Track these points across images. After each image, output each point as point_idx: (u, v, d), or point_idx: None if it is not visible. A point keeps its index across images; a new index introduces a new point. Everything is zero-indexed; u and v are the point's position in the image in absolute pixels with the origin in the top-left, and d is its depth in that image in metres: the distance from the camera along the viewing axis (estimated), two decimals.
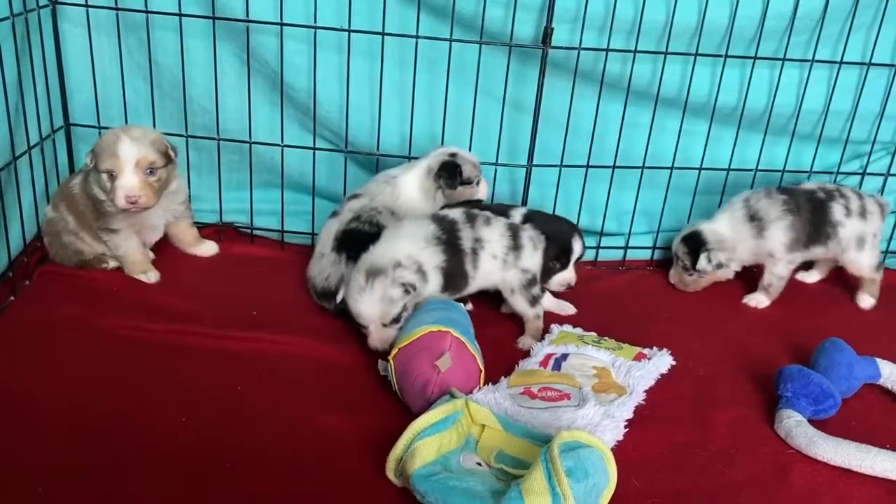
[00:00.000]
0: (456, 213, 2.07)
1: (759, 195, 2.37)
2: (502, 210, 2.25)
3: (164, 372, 1.84)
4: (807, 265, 2.56)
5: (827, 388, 1.80)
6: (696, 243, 2.36)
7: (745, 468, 1.67)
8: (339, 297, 1.99)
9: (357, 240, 2.11)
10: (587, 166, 2.50)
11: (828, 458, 1.67)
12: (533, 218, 2.22)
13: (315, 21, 2.25)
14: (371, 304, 1.88)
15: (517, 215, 2.24)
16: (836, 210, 2.34)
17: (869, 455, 1.64)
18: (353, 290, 1.90)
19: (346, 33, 2.28)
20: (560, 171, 2.49)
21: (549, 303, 2.28)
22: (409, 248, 1.94)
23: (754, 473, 1.66)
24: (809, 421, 1.77)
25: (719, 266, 2.35)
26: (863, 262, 2.40)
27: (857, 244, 2.36)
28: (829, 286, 2.59)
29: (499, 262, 2.05)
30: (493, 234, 2.05)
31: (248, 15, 2.25)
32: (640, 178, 2.53)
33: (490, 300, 2.28)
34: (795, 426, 1.73)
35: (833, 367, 1.90)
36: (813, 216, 2.34)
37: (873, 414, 1.90)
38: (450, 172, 2.24)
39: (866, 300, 2.46)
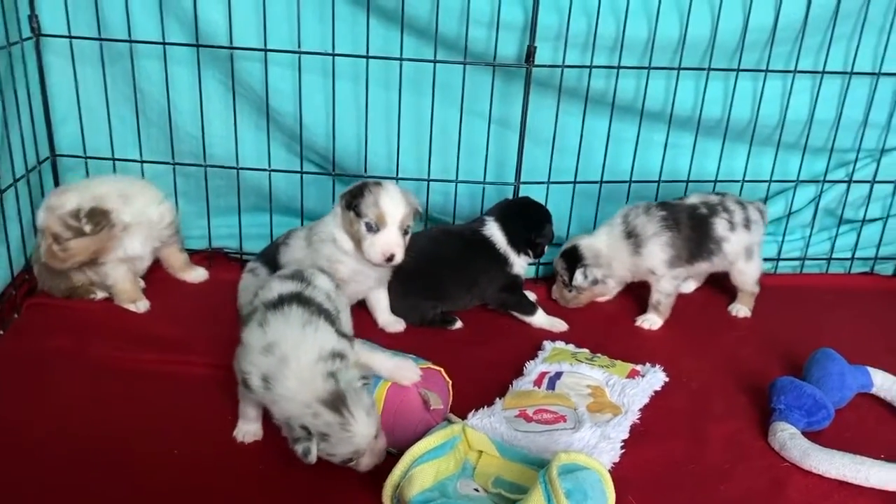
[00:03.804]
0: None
1: (637, 211, 2.31)
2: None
3: (155, 402, 1.84)
4: None
5: (820, 399, 1.81)
6: (573, 259, 2.31)
7: (740, 483, 1.67)
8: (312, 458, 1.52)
9: None
10: (574, 182, 2.51)
11: (823, 471, 1.67)
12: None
13: (299, 46, 2.26)
14: (370, 426, 1.55)
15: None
16: (719, 225, 2.29)
17: (864, 467, 1.65)
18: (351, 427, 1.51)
19: (331, 57, 2.28)
20: (548, 187, 2.50)
21: (541, 320, 2.29)
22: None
23: (750, 488, 1.66)
24: (803, 433, 1.77)
25: (595, 282, 2.31)
26: (751, 272, 2.37)
27: (745, 255, 2.33)
28: (819, 295, 2.61)
29: None
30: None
31: (231, 42, 2.25)
32: (627, 192, 2.54)
33: (481, 319, 2.29)
34: (789, 439, 1.73)
35: (825, 378, 1.90)
36: (694, 232, 2.28)
37: (867, 424, 1.90)
38: None
39: (742, 311, 2.43)
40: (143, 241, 2.25)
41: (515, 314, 2.31)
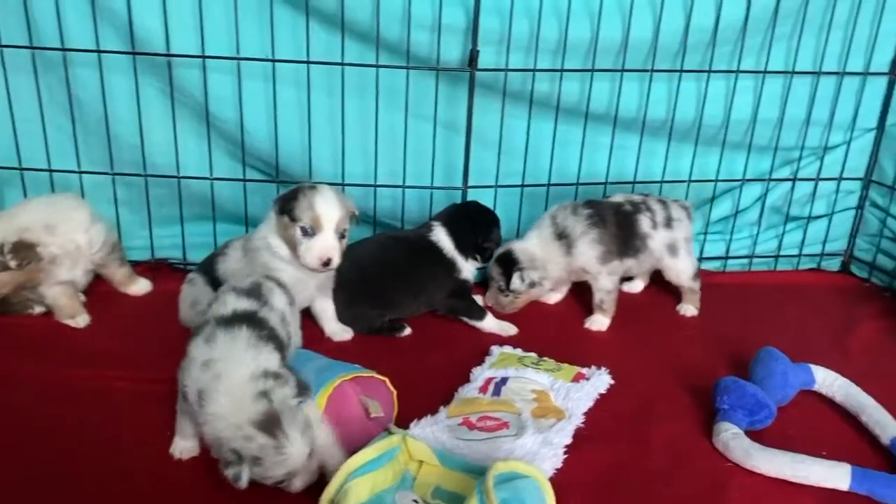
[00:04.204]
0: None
1: (565, 212, 2.31)
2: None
3: (91, 420, 1.78)
4: (627, 276, 2.50)
5: (762, 398, 1.81)
6: (508, 263, 2.30)
7: (683, 485, 1.67)
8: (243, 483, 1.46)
9: None
10: (522, 186, 2.51)
11: (764, 470, 1.67)
12: None
13: (238, 52, 2.23)
14: (305, 446, 1.50)
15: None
16: (643, 222, 2.32)
17: (803, 465, 1.66)
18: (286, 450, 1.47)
19: (271, 63, 2.25)
20: (496, 191, 2.49)
21: (490, 324, 2.28)
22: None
23: (692, 489, 1.65)
24: (747, 432, 1.78)
25: (532, 285, 2.30)
26: (679, 268, 2.39)
27: (669, 252, 2.36)
28: (767, 292, 2.63)
29: None
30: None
31: (168, 49, 2.21)
32: (575, 194, 2.54)
33: (430, 325, 2.27)
34: (732, 439, 1.74)
35: (769, 377, 1.92)
36: (620, 229, 2.30)
37: (810, 421, 1.91)
38: None
39: (689, 310, 2.44)
40: (74, 268, 2.20)
41: (465, 319, 2.29)
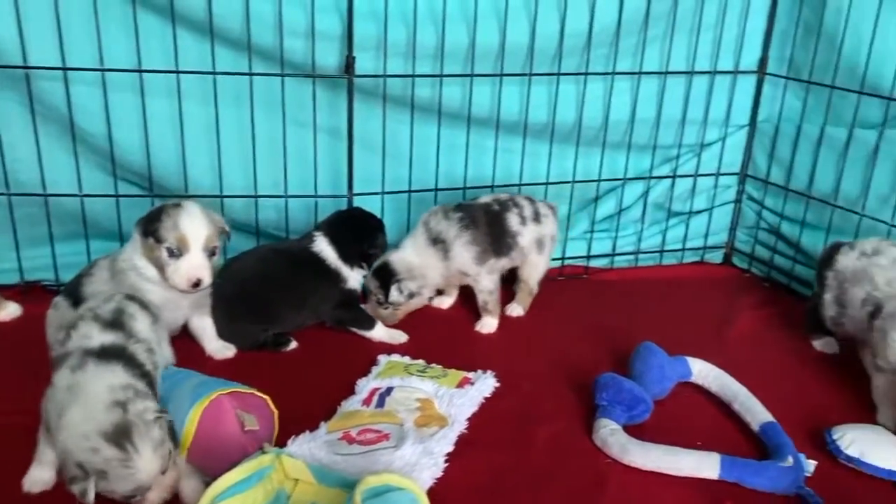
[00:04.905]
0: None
1: (437, 217, 2.31)
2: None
3: None
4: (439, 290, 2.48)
5: (638, 393, 1.86)
6: (385, 275, 2.27)
7: (563, 484, 1.68)
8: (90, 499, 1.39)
9: None
10: (409, 191, 2.50)
11: (640, 464, 1.71)
12: None
13: (102, 63, 2.13)
14: (155, 462, 1.44)
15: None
16: (512, 220, 2.35)
17: (675, 456, 1.70)
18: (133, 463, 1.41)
19: (139, 74, 2.17)
20: (383, 198, 2.47)
21: (380, 333, 2.25)
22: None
23: (572, 488, 1.67)
24: (626, 427, 1.82)
25: (412, 295, 2.28)
26: (540, 266, 2.43)
27: (537, 247, 2.40)
28: (653, 286, 2.70)
29: None
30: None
31: (25, 61, 2.10)
32: (462, 198, 2.54)
33: (317, 337, 2.23)
34: (610, 435, 1.77)
35: (646, 371, 1.97)
36: (491, 228, 2.32)
37: (687, 412, 1.97)
38: None
39: (518, 310, 2.45)
40: None
41: (354, 330, 2.26)
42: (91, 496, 1.37)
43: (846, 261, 2.13)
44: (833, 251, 2.19)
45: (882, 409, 1.93)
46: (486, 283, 2.32)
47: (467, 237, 2.27)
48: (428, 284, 2.32)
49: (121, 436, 1.39)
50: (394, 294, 2.25)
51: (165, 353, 1.80)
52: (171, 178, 2.35)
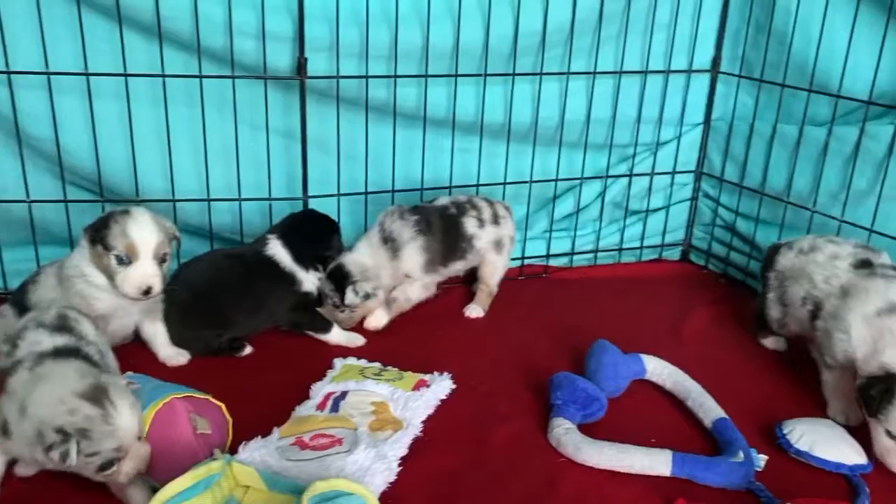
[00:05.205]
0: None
1: (392, 217, 2.31)
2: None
3: None
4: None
5: (592, 391, 1.86)
6: (340, 278, 2.24)
7: (517, 484, 1.68)
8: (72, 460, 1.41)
9: None
10: (366, 193, 2.49)
11: (593, 463, 1.72)
12: None
13: (47, 66, 2.09)
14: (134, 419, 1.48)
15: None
16: (469, 224, 2.36)
17: (628, 454, 1.71)
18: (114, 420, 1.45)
19: (86, 77, 2.13)
20: (339, 200, 2.46)
21: (337, 336, 2.24)
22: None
23: (526, 488, 1.67)
24: (581, 426, 1.82)
25: (367, 297, 2.25)
26: (499, 266, 2.45)
27: (495, 248, 2.42)
28: (612, 284, 2.72)
29: None
30: None
31: None
32: (420, 199, 2.54)
33: (273, 341, 2.21)
34: (564, 434, 1.77)
35: (600, 369, 1.97)
36: (446, 234, 2.33)
37: (641, 410, 1.98)
38: None
39: (477, 311, 2.44)
40: None
41: (310, 333, 2.24)
42: (73, 456, 1.38)
43: (785, 260, 2.16)
44: (773, 252, 2.22)
45: (832, 403, 1.96)
46: (416, 291, 2.35)
47: (420, 243, 2.28)
48: (382, 286, 2.30)
49: (99, 393, 1.42)
50: (349, 296, 2.23)
51: (110, 363, 1.77)
52: (121, 182, 2.31)
